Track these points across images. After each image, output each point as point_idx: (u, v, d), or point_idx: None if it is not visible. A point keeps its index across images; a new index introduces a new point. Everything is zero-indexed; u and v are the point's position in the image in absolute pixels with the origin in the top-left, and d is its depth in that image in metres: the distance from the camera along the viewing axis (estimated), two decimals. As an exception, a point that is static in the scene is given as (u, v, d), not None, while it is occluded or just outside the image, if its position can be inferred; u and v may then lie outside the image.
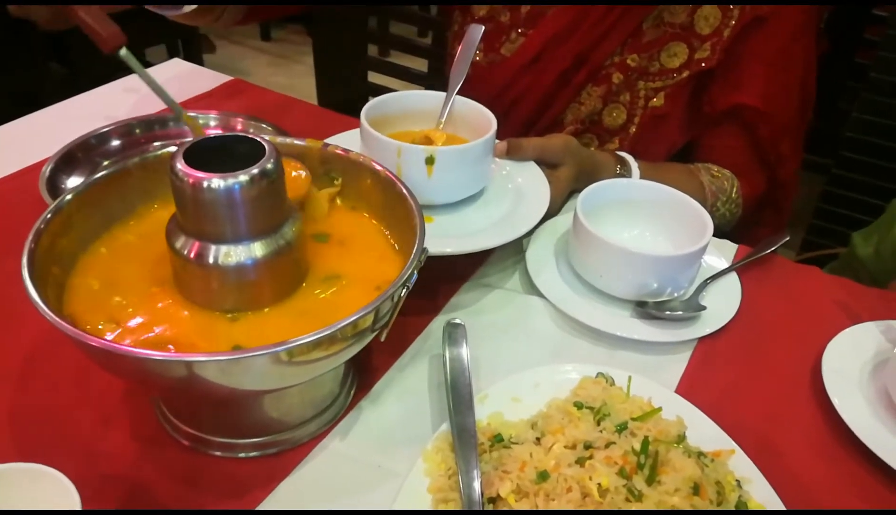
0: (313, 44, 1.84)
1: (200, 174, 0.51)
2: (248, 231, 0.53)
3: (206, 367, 0.46)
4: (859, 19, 2.03)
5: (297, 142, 0.68)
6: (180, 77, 1.22)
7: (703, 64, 0.95)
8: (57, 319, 0.46)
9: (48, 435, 0.59)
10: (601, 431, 0.57)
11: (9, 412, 0.61)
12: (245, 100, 1.14)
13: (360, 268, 0.61)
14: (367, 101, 0.86)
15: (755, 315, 0.76)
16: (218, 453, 0.59)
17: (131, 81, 1.19)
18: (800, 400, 0.67)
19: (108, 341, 0.46)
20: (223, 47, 3.77)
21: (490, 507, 0.53)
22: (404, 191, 0.62)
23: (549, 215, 0.81)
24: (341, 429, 0.61)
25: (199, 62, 2.41)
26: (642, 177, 0.92)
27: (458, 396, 0.59)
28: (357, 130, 0.80)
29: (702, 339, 0.73)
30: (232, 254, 0.53)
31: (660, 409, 0.60)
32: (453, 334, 0.65)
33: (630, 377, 0.65)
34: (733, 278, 0.80)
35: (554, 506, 0.51)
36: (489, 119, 0.80)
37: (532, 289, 0.77)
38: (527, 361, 0.69)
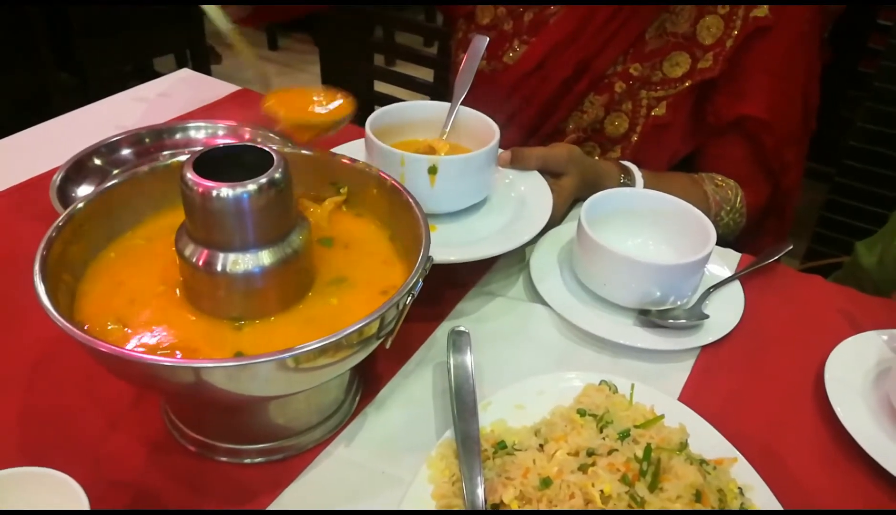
0: (319, 53, 1.85)
1: (210, 183, 0.52)
2: (256, 240, 0.54)
3: (213, 373, 0.47)
4: (863, 28, 2.03)
5: (304, 151, 0.69)
6: (189, 87, 1.23)
7: (706, 74, 0.95)
8: (68, 325, 0.47)
9: (56, 439, 0.60)
10: (604, 438, 0.57)
11: (17, 416, 0.62)
12: (253, 109, 1.15)
13: (365, 271, 0.62)
14: (373, 110, 0.87)
15: (758, 324, 0.76)
16: (224, 458, 0.59)
17: (141, 90, 1.21)
18: (802, 409, 0.67)
19: (117, 347, 0.47)
20: (229, 57, 3.79)
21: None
22: (409, 200, 0.63)
23: (552, 224, 0.81)
24: (346, 436, 0.62)
25: (207, 72, 2.43)
26: (646, 186, 0.92)
27: (462, 403, 0.60)
28: (363, 139, 0.81)
29: (705, 347, 0.73)
30: (240, 262, 0.54)
31: (662, 417, 0.61)
32: (457, 341, 0.66)
33: (633, 385, 0.65)
34: (736, 286, 0.80)
35: (557, 513, 0.51)
36: (492, 129, 0.81)
37: (536, 297, 0.78)
38: (530, 368, 0.69)
